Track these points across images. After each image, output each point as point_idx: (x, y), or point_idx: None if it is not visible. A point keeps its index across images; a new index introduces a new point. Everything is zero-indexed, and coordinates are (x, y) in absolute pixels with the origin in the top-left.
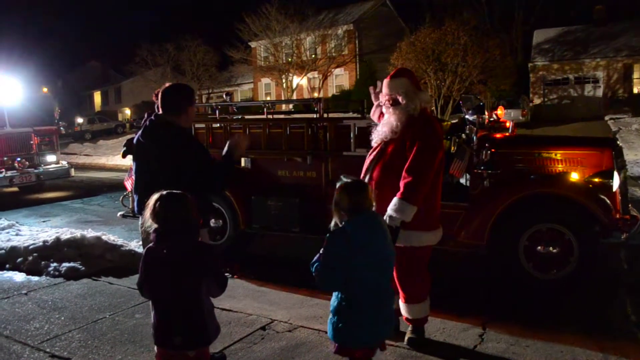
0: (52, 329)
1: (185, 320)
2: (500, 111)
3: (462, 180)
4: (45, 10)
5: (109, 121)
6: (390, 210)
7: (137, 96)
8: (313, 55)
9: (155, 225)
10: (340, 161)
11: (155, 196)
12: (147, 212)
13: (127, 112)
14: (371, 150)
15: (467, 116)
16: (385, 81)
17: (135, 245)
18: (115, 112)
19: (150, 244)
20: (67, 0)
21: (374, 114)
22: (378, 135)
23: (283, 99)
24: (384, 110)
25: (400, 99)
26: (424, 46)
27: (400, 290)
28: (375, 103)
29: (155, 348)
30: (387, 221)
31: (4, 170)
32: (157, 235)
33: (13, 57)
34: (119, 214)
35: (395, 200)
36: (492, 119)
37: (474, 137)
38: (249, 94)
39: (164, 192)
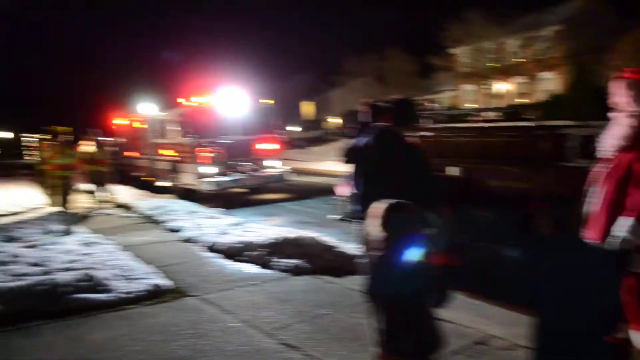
0: (282, 319)
1: (410, 329)
2: None
3: None
4: (266, 29)
5: (319, 129)
6: (622, 232)
7: (343, 105)
8: (517, 59)
9: (382, 234)
10: (557, 172)
11: (383, 205)
12: (374, 220)
13: (335, 120)
14: (601, 163)
15: None
16: (626, 82)
17: (348, 247)
18: (324, 121)
19: (378, 252)
20: (280, 21)
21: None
22: (607, 146)
23: (485, 105)
24: (618, 114)
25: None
26: None
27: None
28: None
29: (381, 354)
30: (617, 244)
31: (235, 173)
32: (385, 244)
33: (243, 72)
34: (332, 217)
35: (629, 220)
36: None
37: None
38: (450, 101)
39: (393, 201)
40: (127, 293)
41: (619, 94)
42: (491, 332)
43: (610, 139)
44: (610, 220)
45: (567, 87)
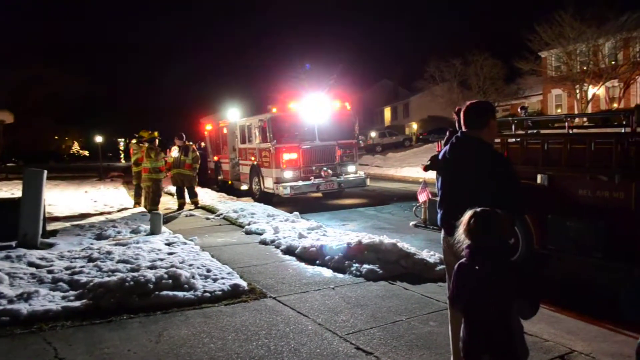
0: (356, 324)
1: (493, 339)
2: None
3: None
4: (350, 34)
5: (397, 135)
6: None
7: (423, 111)
8: (613, 62)
9: (467, 242)
10: None
11: (469, 213)
12: (461, 227)
13: (414, 126)
14: None
15: None
16: None
17: (427, 255)
18: (403, 127)
19: (463, 260)
20: (364, 24)
21: None
22: None
23: (576, 110)
24: None
25: None
26: None
27: None
28: None
29: None
30: None
31: (312, 177)
32: (471, 252)
33: (326, 78)
34: (411, 223)
35: None
36: None
37: None
38: (537, 107)
39: (479, 210)
40: (208, 292)
41: None
42: (574, 346)
43: None
44: None
45: None
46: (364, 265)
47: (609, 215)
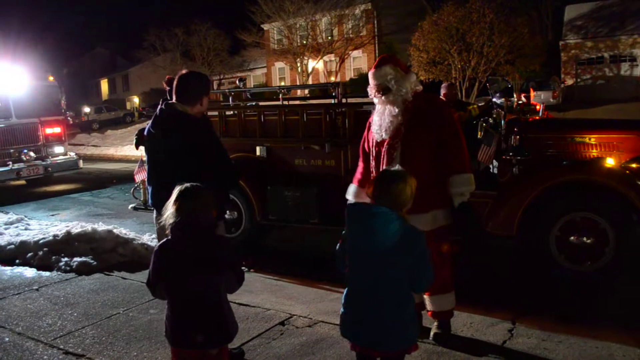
0: (65, 325)
1: (206, 317)
2: (530, 93)
3: (490, 168)
4: None
5: (117, 110)
6: (460, 187)
7: (145, 83)
8: (329, 37)
9: (173, 219)
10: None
11: (177, 189)
12: (169, 205)
13: (136, 100)
14: (374, 144)
15: (494, 99)
16: (370, 73)
17: (148, 238)
18: (123, 101)
19: (166, 239)
20: None
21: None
22: (383, 129)
23: (298, 83)
24: (375, 101)
25: (390, 85)
26: (448, 25)
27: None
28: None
29: (171, 349)
30: (460, 200)
31: (10, 162)
32: (176, 229)
33: (18, 44)
34: (130, 206)
35: (461, 176)
36: (521, 102)
37: (502, 122)
38: (262, 79)
39: (183, 186)
40: None
41: (380, 80)
42: (294, 311)
43: (388, 122)
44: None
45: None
46: (75, 259)
47: (323, 182)
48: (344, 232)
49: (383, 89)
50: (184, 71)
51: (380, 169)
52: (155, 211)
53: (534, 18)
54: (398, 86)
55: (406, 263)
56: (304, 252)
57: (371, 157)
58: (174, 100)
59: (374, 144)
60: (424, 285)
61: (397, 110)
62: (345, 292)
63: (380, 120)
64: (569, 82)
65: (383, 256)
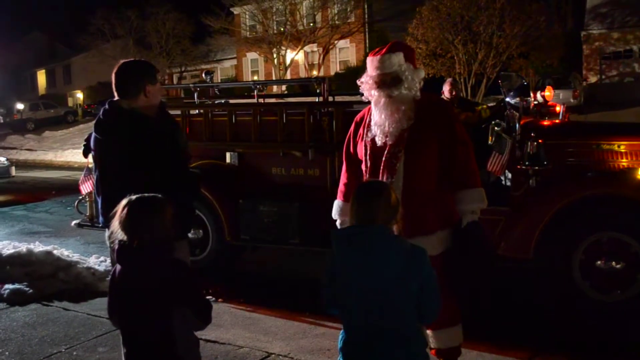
0: None
1: (153, 357)
2: (548, 92)
3: (502, 179)
4: None
5: (57, 107)
6: (471, 204)
7: (91, 76)
8: (311, 24)
9: (121, 237)
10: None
11: (124, 201)
12: (115, 220)
13: (79, 95)
14: (369, 148)
15: (507, 99)
16: (375, 59)
17: (95, 261)
18: (65, 96)
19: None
20: None
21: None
22: (385, 132)
23: (274, 77)
24: (372, 94)
25: (403, 77)
26: (451, 11)
27: None
28: None
29: None
30: (470, 219)
31: None
32: (122, 250)
33: None
34: (74, 222)
35: (473, 191)
36: (537, 102)
37: (517, 125)
38: (232, 72)
39: (134, 197)
40: None
41: (392, 68)
42: (272, 349)
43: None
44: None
45: (363, 58)
46: (7, 286)
47: (305, 195)
48: (329, 265)
49: (391, 80)
50: (119, 62)
51: None
52: (107, 228)
53: (551, 4)
54: (412, 79)
55: (411, 290)
56: (282, 278)
57: (364, 167)
58: (115, 96)
59: (369, 150)
60: (435, 312)
61: (404, 109)
62: (341, 338)
63: (383, 120)
64: (592, 79)
65: (385, 287)
